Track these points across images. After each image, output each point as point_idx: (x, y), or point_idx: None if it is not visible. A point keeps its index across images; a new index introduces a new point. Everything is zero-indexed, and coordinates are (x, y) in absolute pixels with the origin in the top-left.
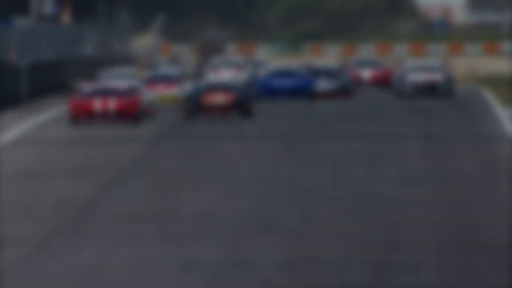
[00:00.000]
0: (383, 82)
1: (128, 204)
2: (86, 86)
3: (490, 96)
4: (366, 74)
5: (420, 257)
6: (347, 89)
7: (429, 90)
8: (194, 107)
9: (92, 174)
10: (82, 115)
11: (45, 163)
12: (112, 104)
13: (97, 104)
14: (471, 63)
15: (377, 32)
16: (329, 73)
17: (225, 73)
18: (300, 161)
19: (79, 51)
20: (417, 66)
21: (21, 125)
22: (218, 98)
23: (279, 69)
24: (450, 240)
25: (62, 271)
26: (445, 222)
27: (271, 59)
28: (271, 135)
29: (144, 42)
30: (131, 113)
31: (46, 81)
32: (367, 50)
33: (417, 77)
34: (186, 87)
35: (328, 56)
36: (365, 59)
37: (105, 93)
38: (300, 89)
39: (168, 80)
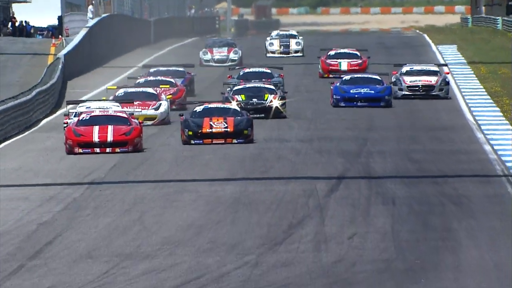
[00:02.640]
0: (359, 72)
1: None
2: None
3: (428, 39)
4: (344, 65)
5: (385, 135)
6: None
7: (425, 93)
8: (194, 135)
9: None
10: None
11: None
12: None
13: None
14: (416, 19)
15: (361, 0)
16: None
17: (217, 52)
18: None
19: (184, 12)
20: (413, 70)
21: (151, 56)
22: (218, 126)
23: (355, 77)
24: (405, 127)
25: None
26: (402, 123)
27: (296, 20)
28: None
29: (223, 6)
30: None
31: (165, 31)
32: (356, 11)
33: (413, 80)
34: (164, 107)
35: (333, 14)
36: (342, 51)
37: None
38: (378, 97)
39: (144, 98)
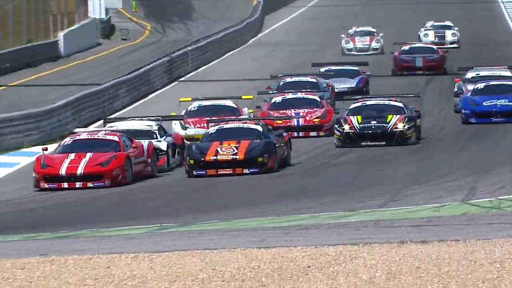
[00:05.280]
0: (436, 69)
1: None
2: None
3: None
4: (419, 61)
5: None
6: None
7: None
8: (196, 165)
9: None
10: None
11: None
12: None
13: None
14: None
15: None
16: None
17: (360, 41)
18: None
19: None
20: (479, 76)
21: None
22: (225, 152)
23: (490, 84)
24: None
25: None
26: None
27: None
28: None
29: None
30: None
31: None
32: None
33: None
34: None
35: None
36: (417, 45)
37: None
38: None
39: (222, 112)
